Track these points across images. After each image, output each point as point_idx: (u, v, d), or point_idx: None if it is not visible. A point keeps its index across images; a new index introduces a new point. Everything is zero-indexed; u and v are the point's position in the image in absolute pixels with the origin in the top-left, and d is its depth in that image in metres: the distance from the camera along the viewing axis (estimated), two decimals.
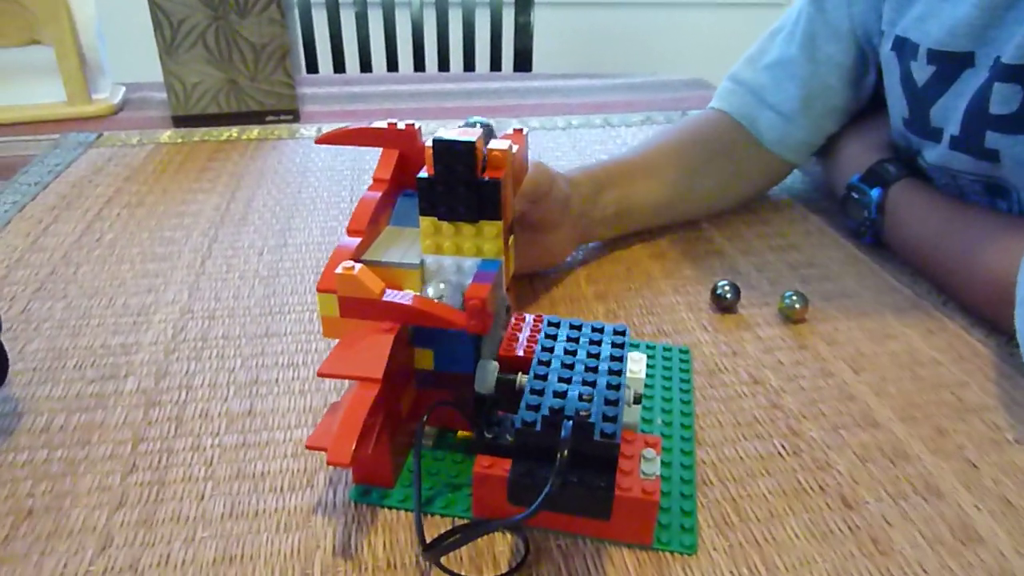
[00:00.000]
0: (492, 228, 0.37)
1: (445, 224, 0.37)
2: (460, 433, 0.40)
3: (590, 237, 0.59)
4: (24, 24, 0.82)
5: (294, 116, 0.88)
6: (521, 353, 0.39)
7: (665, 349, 0.47)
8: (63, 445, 0.40)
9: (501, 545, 0.34)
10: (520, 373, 0.37)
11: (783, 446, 0.40)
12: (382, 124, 0.44)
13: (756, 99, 0.65)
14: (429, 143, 0.37)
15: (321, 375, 0.34)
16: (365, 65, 1.45)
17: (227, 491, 0.37)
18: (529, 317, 0.42)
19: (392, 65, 1.46)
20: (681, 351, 0.47)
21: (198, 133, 0.83)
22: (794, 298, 0.51)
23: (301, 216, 0.65)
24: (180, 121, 0.85)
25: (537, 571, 0.33)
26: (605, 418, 0.30)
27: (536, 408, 0.30)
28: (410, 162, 0.46)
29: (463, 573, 0.33)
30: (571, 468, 0.29)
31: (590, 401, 0.30)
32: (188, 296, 0.53)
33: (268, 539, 0.34)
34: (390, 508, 0.36)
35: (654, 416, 0.42)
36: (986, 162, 0.52)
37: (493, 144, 0.37)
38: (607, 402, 0.30)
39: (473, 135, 0.35)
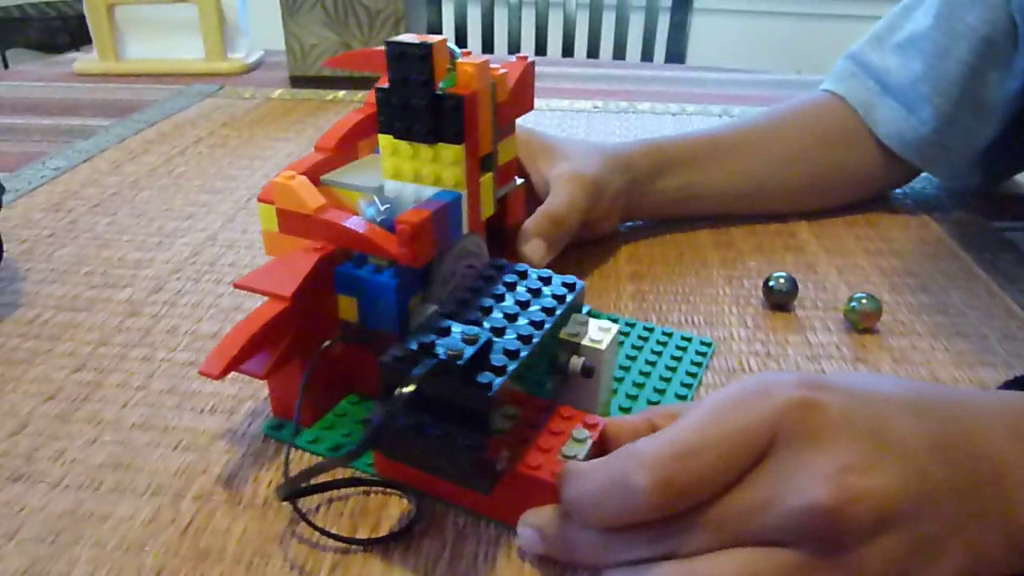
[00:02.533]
0: (450, 152, 0.32)
1: (403, 144, 0.33)
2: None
3: (639, 216, 0.53)
4: None
5: None
6: None
7: (683, 338, 0.40)
8: (36, 337, 0.40)
9: (393, 509, 0.30)
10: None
11: None
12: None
13: (878, 84, 0.55)
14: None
15: (236, 287, 0.31)
16: (487, 46, 1.44)
17: (151, 403, 0.35)
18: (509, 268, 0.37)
19: (513, 48, 1.44)
20: (702, 343, 0.40)
21: (306, 93, 0.85)
22: (864, 301, 0.42)
23: None
24: (296, 81, 0.88)
25: (418, 545, 0.28)
26: (491, 367, 0.24)
27: (419, 342, 0.25)
28: None
29: (333, 529, 0.28)
30: (438, 420, 0.24)
31: (472, 343, 0.24)
32: (220, 226, 0.53)
33: (161, 455, 0.32)
34: (296, 448, 0.32)
35: (636, 406, 0.35)
36: None
37: (464, 58, 0.32)
38: (505, 351, 0.25)
39: (434, 39, 0.31)
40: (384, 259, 0.32)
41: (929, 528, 0.22)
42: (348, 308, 0.33)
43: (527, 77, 0.37)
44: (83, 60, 0.93)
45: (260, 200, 0.33)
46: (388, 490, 0.30)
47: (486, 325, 0.27)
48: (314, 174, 0.35)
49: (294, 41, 0.86)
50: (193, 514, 0.29)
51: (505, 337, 0.26)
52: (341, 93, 0.85)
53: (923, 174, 0.58)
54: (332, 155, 0.36)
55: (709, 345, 0.40)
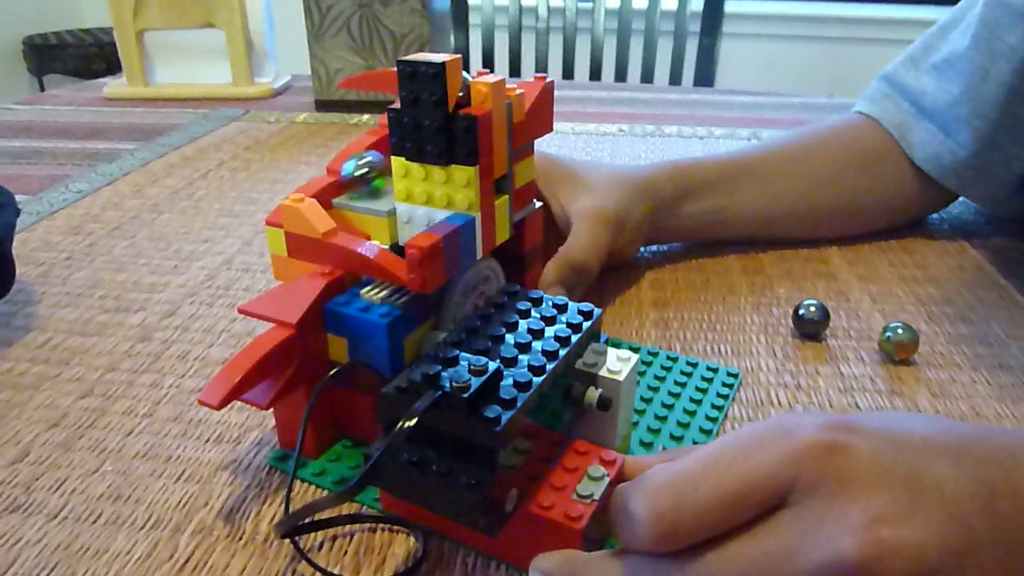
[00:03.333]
0: (463, 174, 0.31)
1: (415, 166, 0.32)
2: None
3: (664, 240, 0.51)
4: (203, 8, 0.89)
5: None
6: None
7: (709, 368, 0.38)
8: (45, 362, 0.40)
9: (399, 547, 0.28)
10: None
11: None
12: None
13: (914, 107, 0.53)
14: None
15: (240, 312, 0.30)
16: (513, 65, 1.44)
17: (155, 431, 0.34)
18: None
19: (541, 66, 1.43)
20: (729, 373, 0.38)
21: (331, 117, 0.85)
22: (900, 331, 0.39)
23: None
24: (321, 105, 0.88)
25: None
26: (501, 401, 0.23)
27: (420, 373, 0.24)
28: None
29: (337, 569, 0.27)
30: (442, 456, 0.23)
31: (480, 375, 0.23)
32: (236, 249, 0.53)
33: (163, 486, 0.31)
34: (301, 481, 0.31)
35: (658, 440, 0.33)
36: None
37: (479, 77, 0.31)
38: (515, 383, 0.24)
39: (447, 57, 0.30)
40: (392, 284, 0.31)
41: None
42: (338, 349, 0.31)
43: (546, 97, 0.36)
44: (113, 85, 0.94)
45: (268, 223, 0.32)
46: (394, 527, 0.29)
47: (497, 355, 0.26)
48: (324, 197, 0.34)
49: (319, 65, 0.86)
50: (192, 550, 0.28)
51: (516, 368, 0.25)
52: (366, 117, 0.85)
53: (960, 199, 0.56)
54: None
55: (736, 376, 0.38)
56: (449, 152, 0.31)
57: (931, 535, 0.20)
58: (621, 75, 1.45)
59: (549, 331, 0.27)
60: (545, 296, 0.30)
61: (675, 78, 1.43)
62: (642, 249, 0.51)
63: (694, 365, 0.39)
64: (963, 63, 0.51)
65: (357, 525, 0.29)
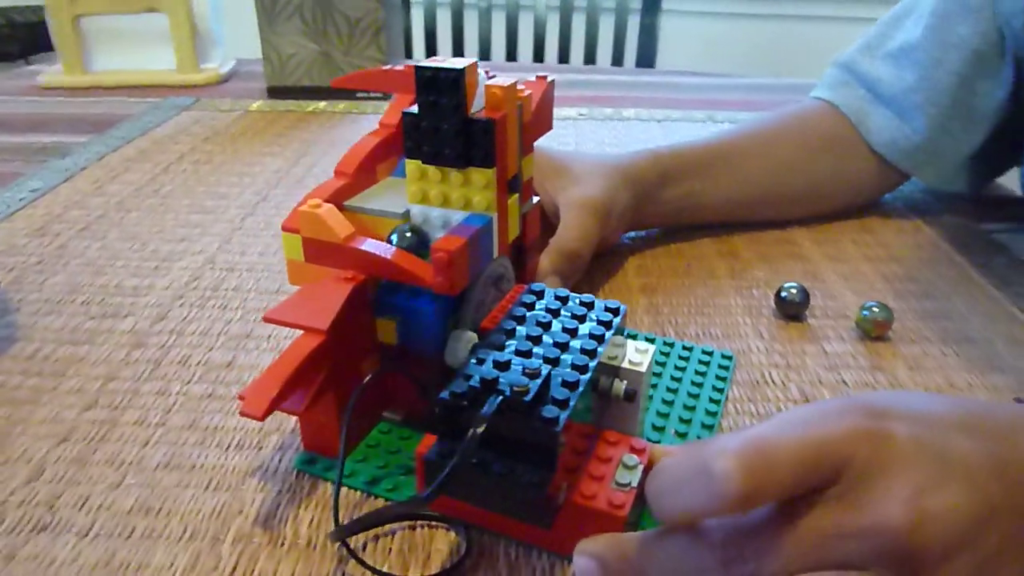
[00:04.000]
0: (482, 177, 0.32)
1: (431, 169, 0.32)
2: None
3: (644, 225, 0.53)
4: None
5: (384, 94, 0.86)
6: None
7: (704, 352, 0.40)
8: (39, 374, 0.38)
9: (441, 543, 0.29)
10: None
11: None
12: (399, 67, 0.41)
13: (870, 93, 0.56)
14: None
15: (266, 321, 0.30)
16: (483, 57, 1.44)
17: (172, 440, 0.34)
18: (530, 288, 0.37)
19: (484, 53, 1.43)
20: (723, 356, 0.40)
21: (287, 104, 0.83)
22: (876, 309, 0.42)
23: None
24: (274, 92, 0.86)
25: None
26: (553, 401, 0.24)
27: (471, 378, 0.25)
28: None
29: (385, 567, 0.28)
30: (502, 456, 0.24)
31: (535, 377, 0.24)
32: (217, 248, 0.52)
33: (193, 496, 0.31)
34: (332, 482, 0.32)
35: (668, 424, 0.35)
36: None
37: (493, 80, 0.32)
38: (563, 383, 0.25)
39: (464, 63, 0.30)
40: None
41: (991, 548, 0.23)
42: (387, 331, 0.32)
43: (548, 97, 0.37)
44: (49, 73, 0.90)
45: (285, 229, 0.32)
46: (434, 523, 0.30)
47: (538, 354, 0.27)
48: (337, 200, 0.34)
49: (271, 51, 0.84)
50: (236, 559, 0.28)
51: (560, 368, 0.26)
52: (322, 104, 0.84)
53: (911, 179, 0.59)
54: (353, 180, 0.35)
55: (730, 359, 0.40)
56: (467, 155, 0.31)
57: (962, 503, 0.22)
58: (564, 55, 1.46)
59: (583, 329, 0.28)
60: (571, 294, 0.31)
61: (618, 58, 1.45)
62: (622, 236, 0.53)
63: (689, 349, 0.41)
64: (917, 53, 0.54)
65: (397, 524, 0.30)
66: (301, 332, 0.30)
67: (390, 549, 0.29)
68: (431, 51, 1.43)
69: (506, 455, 0.24)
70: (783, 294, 0.45)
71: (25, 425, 0.35)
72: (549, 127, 0.38)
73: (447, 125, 0.31)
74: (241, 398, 0.29)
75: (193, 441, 0.34)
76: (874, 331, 0.42)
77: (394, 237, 0.32)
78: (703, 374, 0.39)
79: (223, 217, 0.56)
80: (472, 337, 0.32)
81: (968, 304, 0.46)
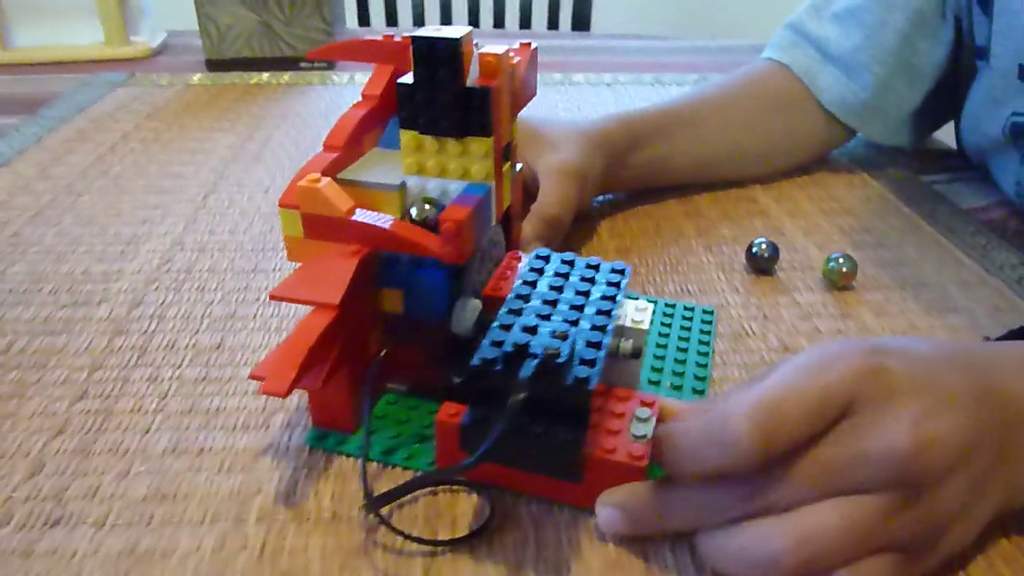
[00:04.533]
0: (480, 146, 0.32)
1: (428, 139, 0.32)
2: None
3: (613, 189, 0.54)
4: None
5: (328, 64, 0.85)
6: (507, 293, 0.34)
7: (686, 308, 0.42)
8: (18, 367, 0.37)
9: (464, 506, 0.30)
10: None
11: None
12: (376, 37, 0.40)
13: (819, 53, 0.58)
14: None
15: (273, 298, 0.30)
16: (418, 19, 1.41)
17: (174, 426, 0.34)
18: (527, 257, 0.37)
19: (418, 19, 1.41)
20: (704, 311, 0.42)
21: (229, 77, 0.80)
22: (840, 260, 0.45)
23: None
24: (213, 65, 0.83)
25: (501, 538, 0.28)
26: (582, 361, 0.25)
27: (500, 344, 0.26)
28: None
29: (414, 533, 0.28)
30: (536, 418, 0.25)
31: (564, 339, 0.25)
32: (183, 228, 0.50)
33: (207, 479, 0.31)
34: (347, 456, 0.32)
35: (663, 378, 0.37)
36: None
37: (486, 48, 0.32)
38: (588, 344, 0.26)
39: (458, 32, 0.30)
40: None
41: (980, 467, 0.25)
42: (392, 301, 0.32)
43: (533, 64, 0.37)
44: None
45: (283, 205, 0.32)
46: (455, 487, 0.30)
47: (557, 318, 0.27)
48: (331, 174, 0.34)
49: (209, 23, 0.81)
50: (263, 537, 0.28)
51: (580, 328, 0.27)
52: (265, 76, 0.81)
53: (856, 135, 0.62)
54: (343, 154, 0.35)
55: (711, 313, 0.42)
56: (465, 125, 0.32)
57: (958, 427, 0.24)
58: (499, 20, 1.45)
59: (595, 291, 0.29)
60: (576, 258, 0.32)
61: (553, 21, 1.44)
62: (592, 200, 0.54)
63: (672, 306, 0.42)
64: (863, 13, 0.56)
65: (420, 491, 0.30)
66: (310, 308, 0.30)
67: (416, 515, 0.29)
68: (363, 20, 1.40)
69: (538, 416, 0.25)
70: (754, 250, 0.46)
71: (15, 420, 0.34)
72: (534, 93, 0.38)
73: (445, 95, 0.31)
74: (256, 377, 0.29)
75: (196, 425, 0.34)
76: (840, 281, 0.45)
77: (413, 211, 0.32)
78: (688, 329, 0.40)
79: (182, 197, 0.55)
80: (477, 304, 0.33)
81: (919, 252, 0.49)
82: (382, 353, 0.30)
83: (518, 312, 0.28)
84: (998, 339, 0.33)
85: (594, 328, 0.27)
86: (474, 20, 1.42)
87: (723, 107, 0.56)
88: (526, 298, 0.29)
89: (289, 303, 0.30)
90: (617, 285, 0.30)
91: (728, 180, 0.58)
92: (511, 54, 0.35)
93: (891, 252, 0.49)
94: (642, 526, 0.28)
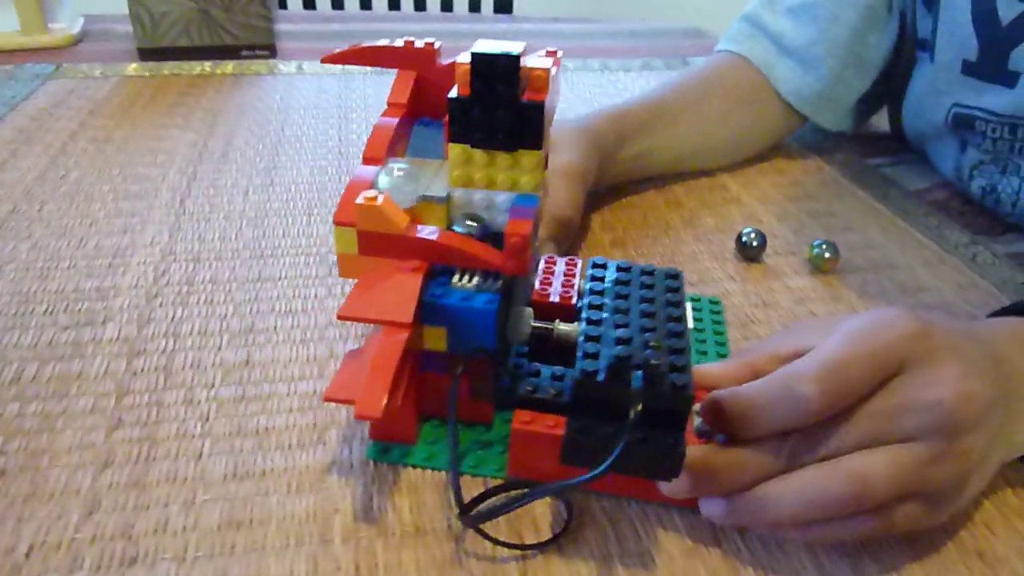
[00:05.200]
0: (531, 158, 0.33)
1: (478, 153, 0.33)
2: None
3: (603, 183, 0.56)
4: None
5: (270, 52, 0.82)
6: (556, 299, 0.35)
7: (694, 299, 0.44)
8: (37, 398, 0.35)
9: (540, 507, 0.31)
10: (557, 321, 0.34)
11: None
12: (398, 42, 0.40)
13: (776, 46, 0.61)
14: (461, 59, 0.33)
15: (342, 318, 0.30)
16: (336, 2, 1.37)
17: (227, 449, 0.33)
18: (561, 261, 0.38)
19: (365, 4, 1.39)
20: (712, 302, 0.44)
21: (168, 67, 0.76)
22: (824, 247, 0.48)
23: (287, 155, 0.60)
24: (147, 54, 0.78)
25: (583, 536, 0.30)
26: (673, 367, 0.26)
27: (595, 356, 0.27)
28: (428, 85, 0.41)
29: (500, 538, 0.29)
30: (641, 424, 0.26)
31: (658, 348, 0.26)
32: (169, 237, 0.48)
33: (279, 501, 0.31)
34: (413, 467, 0.32)
35: None
36: None
37: (533, 62, 0.33)
38: (673, 350, 0.27)
39: (515, 48, 0.31)
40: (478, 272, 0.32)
41: (993, 429, 0.29)
42: (436, 338, 0.32)
43: (559, 72, 0.38)
44: None
45: (339, 223, 0.32)
46: (518, 490, 0.32)
47: (633, 326, 0.29)
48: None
49: (140, 9, 0.76)
50: (354, 556, 0.29)
51: (659, 334, 0.28)
52: (207, 65, 0.78)
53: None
54: (383, 166, 0.35)
55: (718, 303, 0.44)
56: (518, 138, 0.32)
57: (987, 387, 0.28)
58: (420, 3, 1.42)
59: (659, 298, 0.31)
60: (632, 264, 0.33)
61: (474, 4, 1.43)
62: None
63: None
64: (816, 8, 0.59)
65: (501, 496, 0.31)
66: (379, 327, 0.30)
67: (498, 522, 0.30)
68: (309, 3, 1.35)
69: (642, 423, 0.26)
70: (743, 239, 0.49)
71: (52, 455, 0.32)
72: (557, 99, 0.39)
73: (502, 110, 0.31)
74: (339, 401, 0.29)
75: (250, 447, 0.33)
76: (825, 266, 0.48)
77: (458, 227, 0.32)
78: (701, 320, 0.43)
79: (157, 202, 0.52)
80: (530, 313, 0.34)
81: (883, 234, 0.54)
82: (459, 368, 0.31)
83: (597, 323, 0.29)
84: (989, 316, 0.37)
85: (672, 334, 0.28)
86: (394, 3, 1.40)
87: (696, 101, 0.58)
88: (599, 307, 0.30)
89: (355, 322, 0.30)
90: (677, 291, 0.31)
91: (700, 170, 0.60)
92: (552, 62, 0.36)
93: (859, 235, 0.53)
94: (708, 486, 0.29)
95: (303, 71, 0.78)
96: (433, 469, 0.32)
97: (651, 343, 0.26)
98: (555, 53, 0.38)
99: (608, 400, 0.26)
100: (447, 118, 0.38)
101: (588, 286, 0.31)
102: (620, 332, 0.27)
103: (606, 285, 0.31)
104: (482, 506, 0.28)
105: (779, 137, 0.65)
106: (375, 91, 0.74)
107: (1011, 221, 0.56)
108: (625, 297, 0.31)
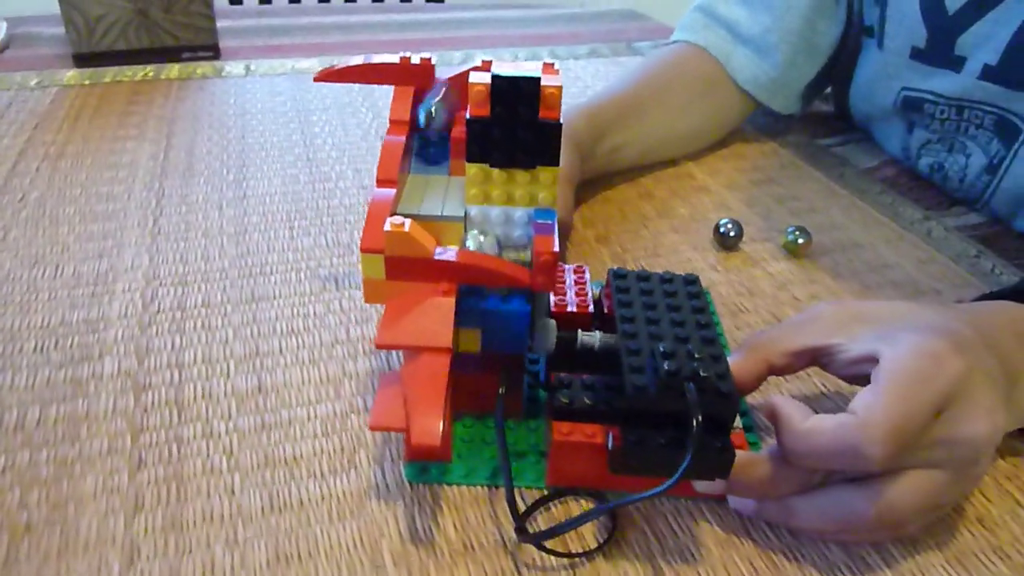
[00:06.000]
0: (549, 175, 0.33)
1: (496, 171, 0.33)
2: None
3: (580, 179, 0.57)
4: None
5: (214, 52, 0.79)
6: (574, 309, 0.36)
7: None
8: (47, 443, 0.34)
9: (575, 514, 0.32)
10: (580, 331, 0.34)
11: (824, 385, 0.40)
12: (393, 58, 0.40)
13: (731, 35, 0.63)
14: (475, 79, 0.33)
15: (380, 347, 0.30)
16: None
17: (259, 481, 0.33)
18: (568, 269, 0.39)
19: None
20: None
21: (108, 73, 0.73)
22: (797, 233, 0.51)
23: (254, 164, 0.59)
24: (82, 60, 0.75)
25: (622, 537, 0.31)
26: (718, 375, 0.28)
27: (640, 370, 0.28)
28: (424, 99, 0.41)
29: (560, 550, 0.30)
30: (681, 429, 0.27)
31: (703, 359, 0.28)
32: (149, 260, 0.47)
33: (323, 531, 0.31)
34: (451, 485, 0.33)
35: None
36: (1020, 92, 0.51)
37: (546, 80, 0.33)
38: (712, 358, 0.29)
39: (534, 70, 0.31)
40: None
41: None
42: (470, 340, 0.33)
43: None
44: None
45: (366, 251, 0.31)
46: (556, 500, 0.33)
47: (667, 336, 0.30)
48: (394, 211, 0.34)
49: (74, 12, 0.72)
50: None
51: (693, 342, 0.30)
52: (149, 70, 0.74)
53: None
54: (397, 187, 0.35)
55: (707, 294, 0.46)
56: (537, 156, 0.33)
57: (1003, 408, 0.29)
58: None
59: (685, 305, 0.32)
60: (652, 274, 0.34)
61: None
62: None
63: None
64: None
65: (544, 511, 0.32)
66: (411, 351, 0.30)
67: (542, 530, 0.31)
68: None
69: (682, 429, 0.27)
70: (721, 229, 0.51)
71: (78, 502, 0.31)
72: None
73: (523, 130, 0.32)
74: (377, 429, 0.29)
75: (281, 477, 0.33)
76: (799, 251, 0.51)
77: (471, 243, 0.33)
78: None
79: (128, 222, 0.50)
80: (554, 324, 0.35)
81: (844, 214, 0.57)
82: (501, 389, 0.31)
83: (633, 336, 0.30)
84: (974, 300, 0.40)
85: (706, 341, 0.30)
86: None
87: (662, 94, 0.60)
88: (631, 320, 0.31)
89: (393, 349, 0.31)
90: (699, 296, 0.33)
91: (665, 160, 0.62)
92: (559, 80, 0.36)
93: (823, 217, 0.56)
94: (751, 493, 0.31)
95: (252, 72, 0.76)
96: (470, 485, 0.33)
97: (697, 355, 0.28)
98: (552, 66, 0.39)
99: (660, 412, 0.27)
100: (453, 134, 0.39)
101: (617, 298, 0.32)
102: (663, 346, 0.28)
103: (632, 296, 0.32)
104: (536, 519, 0.29)
105: (737, 123, 0.67)
106: (331, 91, 0.72)
107: (958, 196, 0.59)
108: (653, 307, 0.32)
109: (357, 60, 0.42)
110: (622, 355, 0.29)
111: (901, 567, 0.31)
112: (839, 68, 0.67)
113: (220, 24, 0.79)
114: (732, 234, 0.51)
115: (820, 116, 0.75)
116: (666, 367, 0.27)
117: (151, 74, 0.74)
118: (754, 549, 0.31)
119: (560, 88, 0.33)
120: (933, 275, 0.50)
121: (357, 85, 0.74)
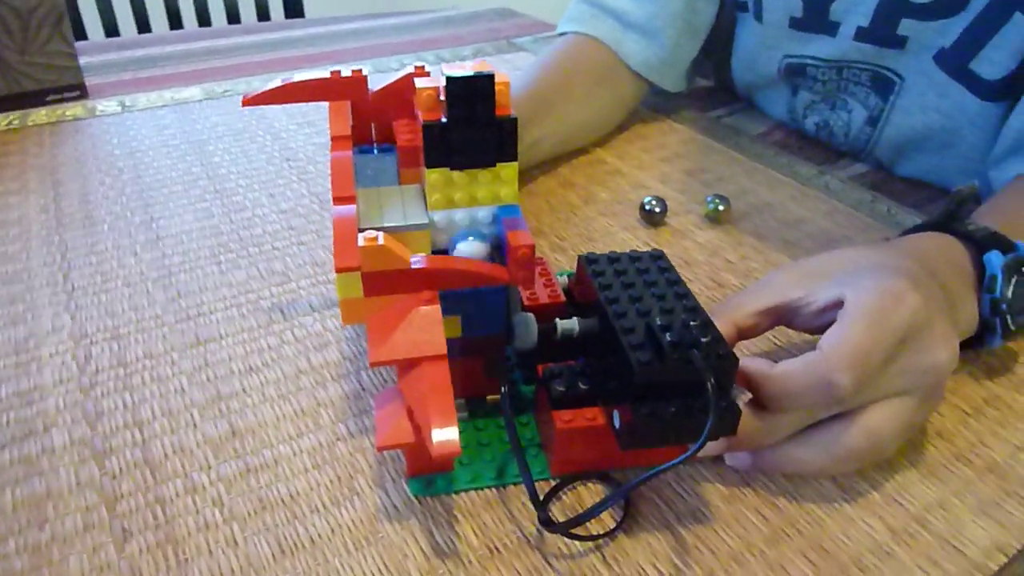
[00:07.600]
0: (510, 170, 0.34)
1: (457, 174, 0.33)
2: (490, 398, 0.37)
3: None
4: None
5: (80, 92, 0.74)
6: (546, 300, 0.37)
7: None
8: (12, 532, 0.31)
9: (592, 497, 0.33)
10: (557, 320, 0.35)
11: (776, 341, 0.42)
12: (323, 73, 0.39)
13: (619, 23, 0.65)
14: (422, 84, 0.33)
15: (376, 364, 0.29)
16: (142, 26, 1.26)
17: (261, 527, 0.31)
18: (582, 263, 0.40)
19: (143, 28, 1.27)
20: None
21: None
22: (717, 200, 0.53)
23: (159, 203, 0.55)
24: None
25: (637, 511, 0.32)
26: (714, 339, 0.29)
27: (640, 346, 0.29)
28: (361, 114, 0.40)
29: (584, 534, 0.31)
30: (687, 396, 0.28)
31: (697, 326, 0.29)
32: (71, 319, 0.43)
33: (343, 564, 0.30)
34: (459, 492, 0.33)
35: None
36: (891, 49, 0.56)
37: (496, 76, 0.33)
38: (704, 324, 0.30)
39: (484, 68, 0.32)
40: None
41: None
42: (452, 326, 0.33)
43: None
44: None
45: (342, 270, 0.31)
46: (566, 488, 0.33)
47: (655, 310, 0.31)
48: (359, 227, 0.33)
49: None
50: None
51: (677, 313, 0.31)
52: (14, 118, 0.68)
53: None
54: (355, 202, 0.34)
55: None
56: (497, 153, 0.33)
57: (956, 335, 0.32)
58: (204, 18, 1.32)
59: (660, 279, 0.33)
60: (621, 254, 0.35)
61: (262, 12, 1.36)
62: None
63: None
64: None
65: (564, 498, 0.32)
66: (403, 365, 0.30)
67: (555, 517, 0.31)
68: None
69: (687, 394, 0.28)
70: (647, 207, 0.53)
71: None
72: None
73: (482, 129, 0.32)
74: (385, 448, 0.28)
75: (283, 518, 0.32)
76: (721, 218, 0.53)
77: (464, 246, 0.32)
78: None
79: (35, 282, 0.46)
80: (532, 317, 0.35)
81: (749, 179, 0.60)
82: (504, 389, 0.31)
83: (623, 315, 0.31)
84: (903, 233, 0.43)
85: (687, 310, 0.31)
86: (175, 19, 1.29)
87: (565, 86, 0.61)
88: (616, 300, 0.32)
89: (389, 364, 0.30)
90: (670, 269, 0.34)
91: (576, 149, 0.64)
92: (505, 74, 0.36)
93: (732, 185, 0.59)
94: (747, 446, 0.33)
95: (129, 107, 0.71)
96: (477, 489, 0.33)
97: (692, 323, 0.29)
98: (485, 63, 0.39)
99: (665, 383, 0.28)
100: (399, 143, 0.38)
101: (597, 281, 0.33)
102: (659, 320, 0.29)
103: (609, 279, 0.33)
104: (551, 509, 0.29)
105: (634, 106, 0.69)
106: (222, 119, 0.69)
107: (844, 150, 0.64)
108: (631, 286, 0.33)
109: (276, 82, 0.40)
110: (619, 335, 0.29)
111: (886, 488, 0.34)
112: (716, 44, 0.71)
113: (82, 60, 0.74)
114: (657, 210, 0.53)
115: (704, 91, 0.79)
116: (668, 339, 0.28)
117: (16, 121, 0.68)
118: (757, 499, 0.33)
119: (508, 83, 0.33)
120: (840, 224, 0.54)
121: (248, 109, 0.72)
